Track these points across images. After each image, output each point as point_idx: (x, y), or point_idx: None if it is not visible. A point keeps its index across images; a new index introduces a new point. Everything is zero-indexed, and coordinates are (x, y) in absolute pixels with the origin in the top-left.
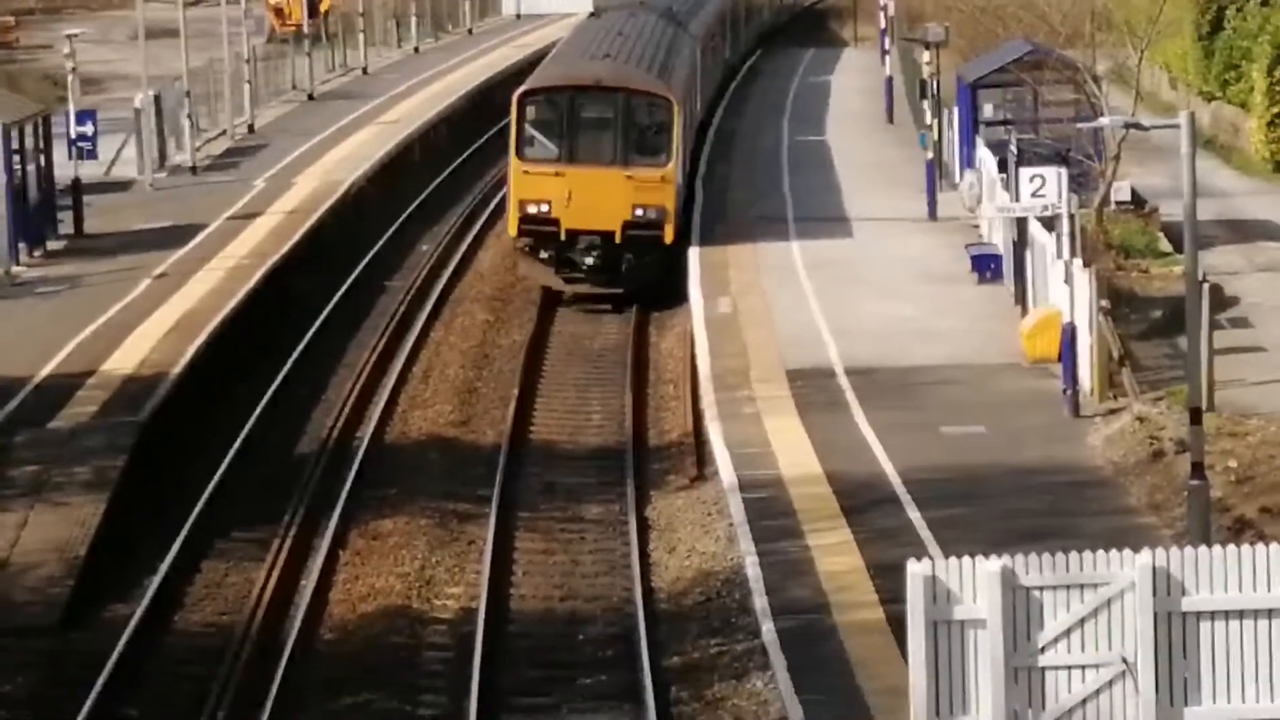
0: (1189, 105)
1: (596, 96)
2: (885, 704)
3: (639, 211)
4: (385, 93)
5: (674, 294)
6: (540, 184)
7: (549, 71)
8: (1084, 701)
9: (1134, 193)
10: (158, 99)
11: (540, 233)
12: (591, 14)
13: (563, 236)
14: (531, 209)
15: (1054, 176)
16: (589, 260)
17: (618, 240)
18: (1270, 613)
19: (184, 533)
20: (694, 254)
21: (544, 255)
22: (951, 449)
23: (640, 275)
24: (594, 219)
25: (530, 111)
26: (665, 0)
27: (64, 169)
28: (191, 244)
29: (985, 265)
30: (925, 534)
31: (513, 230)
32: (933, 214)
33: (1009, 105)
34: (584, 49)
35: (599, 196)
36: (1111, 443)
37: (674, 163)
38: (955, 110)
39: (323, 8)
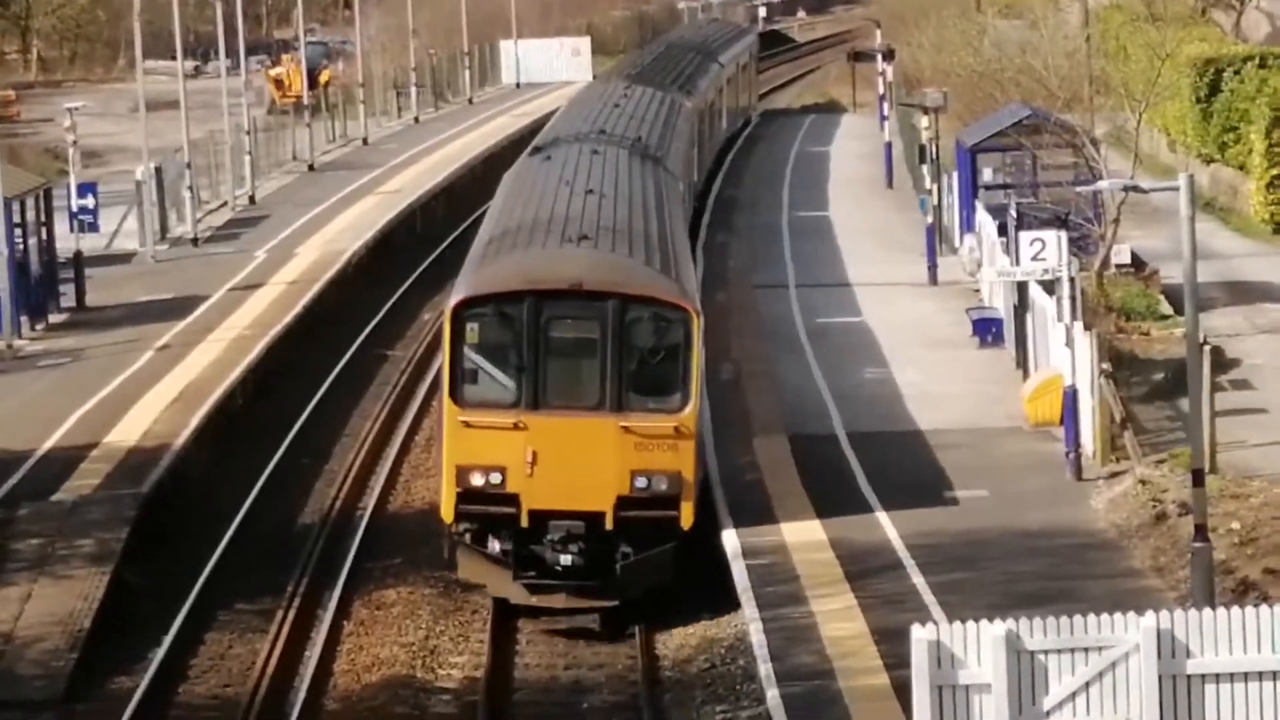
0: (1188, 168)
1: (576, 306)
2: None
3: (641, 482)
4: (385, 163)
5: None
6: (490, 442)
7: (498, 268)
8: None
9: (1134, 255)
10: (159, 171)
11: (490, 515)
12: (536, 150)
13: (525, 522)
14: (476, 479)
15: (1054, 240)
16: (565, 558)
17: (609, 526)
18: (1275, 675)
19: (188, 604)
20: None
21: (496, 549)
22: (955, 513)
23: (642, 579)
24: (572, 495)
25: (473, 331)
26: (628, 127)
27: (65, 242)
28: (193, 315)
29: (986, 329)
30: (929, 598)
31: (447, 513)
32: (933, 279)
33: (1008, 169)
34: (544, 221)
35: (580, 460)
36: (1114, 505)
37: (693, 405)
38: (955, 174)
39: (322, 79)
